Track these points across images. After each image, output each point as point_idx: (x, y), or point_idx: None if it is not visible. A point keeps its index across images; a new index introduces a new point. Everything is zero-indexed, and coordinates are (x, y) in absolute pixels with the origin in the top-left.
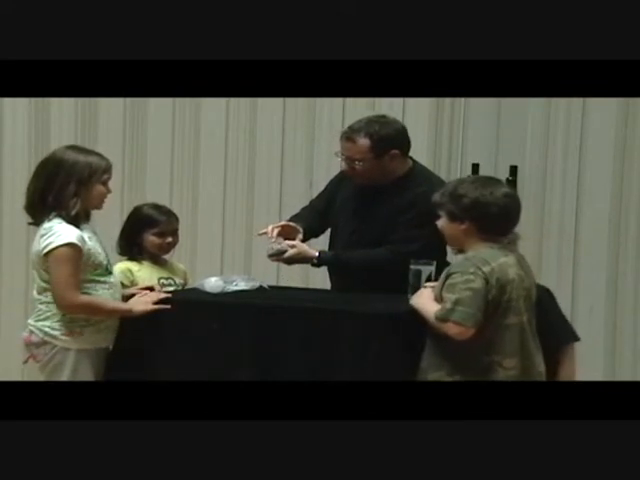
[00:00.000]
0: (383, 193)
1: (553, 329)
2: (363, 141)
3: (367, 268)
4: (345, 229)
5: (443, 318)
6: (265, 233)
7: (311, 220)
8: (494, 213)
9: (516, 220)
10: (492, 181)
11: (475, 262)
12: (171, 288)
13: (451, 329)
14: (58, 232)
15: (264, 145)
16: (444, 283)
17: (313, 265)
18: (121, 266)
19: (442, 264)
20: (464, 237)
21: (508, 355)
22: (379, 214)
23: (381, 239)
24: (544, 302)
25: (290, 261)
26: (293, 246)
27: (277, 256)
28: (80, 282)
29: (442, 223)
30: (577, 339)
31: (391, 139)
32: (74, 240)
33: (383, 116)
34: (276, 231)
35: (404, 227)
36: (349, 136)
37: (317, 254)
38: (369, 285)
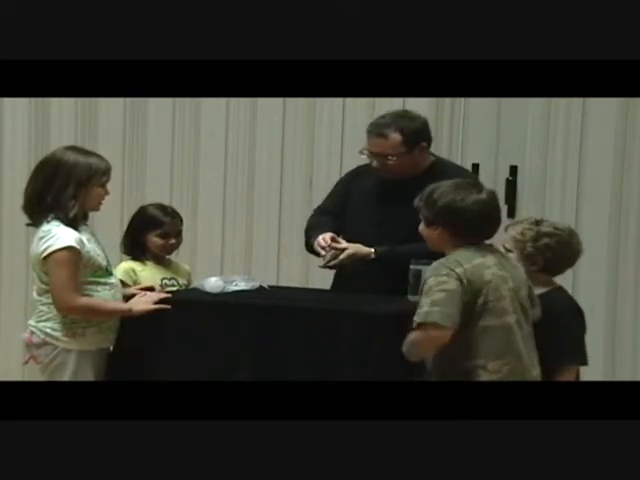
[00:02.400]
0: (409, 186)
1: (563, 346)
2: (395, 136)
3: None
4: (368, 223)
5: (421, 322)
6: (323, 248)
7: (331, 224)
8: (464, 220)
9: (491, 226)
10: (467, 186)
11: (448, 264)
12: (174, 289)
13: (430, 332)
14: (57, 235)
15: (264, 145)
16: (421, 290)
17: (369, 263)
18: (124, 266)
19: None
20: (439, 242)
21: (492, 358)
22: (408, 207)
23: (413, 231)
24: (568, 317)
25: (345, 262)
26: (345, 248)
27: (333, 261)
28: (79, 284)
29: (420, 227)
30: (584, 363)
31: (420, 132)
32: (73, 243)
33: (407, 111)
34: (328, 238)
35: None
36: (380, 132)
37: (373, 250)
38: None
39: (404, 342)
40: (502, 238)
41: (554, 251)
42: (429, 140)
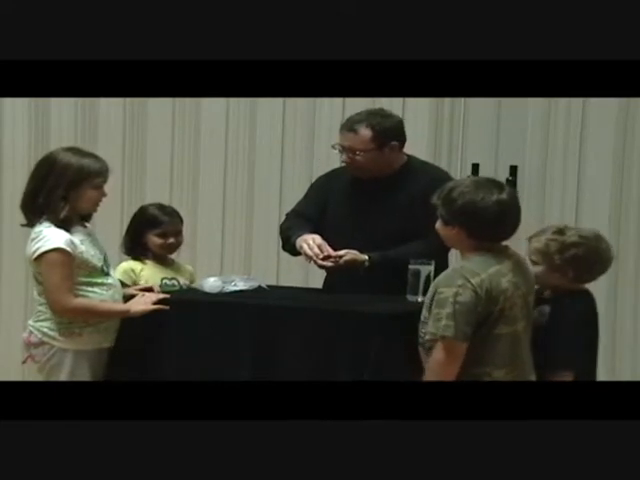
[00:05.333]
0: (384, 186)
1: (559, 351)
2: (365, 132)
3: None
4: (347, 225)
5: (435, 336)
6: (316, 255)
7: (309, 227)
8: (483, 220)
9: (510, 226)
10: (488, 185)
11: (463, 273)
12: (174, 289)
13: (443, 345)
14: (46, 237)
15: (264, 145)
16: (433, 298)
17: (364, 270)
18: (124, 266)
19: (443, 263)
20: (457, 241)
21: (498, 366)
22: (387, 207)
23: (398, 231)
24: (572, 323)
25: (342, 268)
26: (342, 255)
27: (327, 262)
28: (73, 285)
29: (437, 225)
30: (576, 369)
31: (391, 131)
32: (62, 245)
33: (382, 109)
34: (319, 239)
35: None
36: (351, 127)
37: (367, 257)
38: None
39: (427, 365)
40: (527, 250)
41: (583, 260)
42: (402, 140)
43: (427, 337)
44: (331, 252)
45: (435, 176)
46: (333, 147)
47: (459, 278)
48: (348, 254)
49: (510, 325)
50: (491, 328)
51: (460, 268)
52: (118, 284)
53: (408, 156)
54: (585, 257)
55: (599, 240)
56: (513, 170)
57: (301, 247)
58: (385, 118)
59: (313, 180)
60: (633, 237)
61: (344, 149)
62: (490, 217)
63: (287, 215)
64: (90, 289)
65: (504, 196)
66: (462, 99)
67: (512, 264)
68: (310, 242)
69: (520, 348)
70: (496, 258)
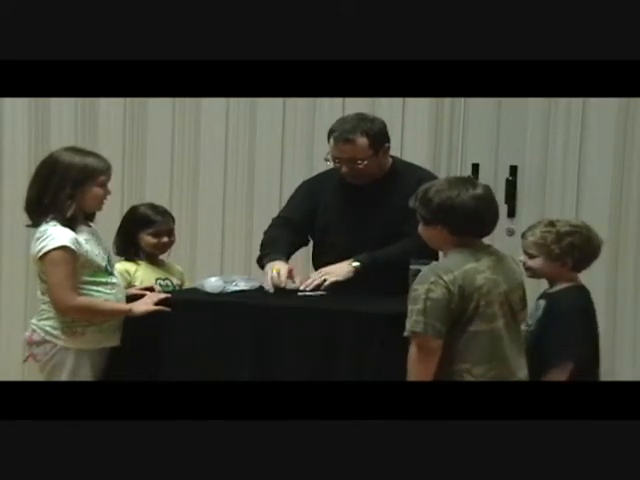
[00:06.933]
0: (377, 188)
1: (556, 343)
2: (362, 140)
3: (404, 262)
4: (341, 228)
5: (408, 332)
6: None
7: (291, 239)
8: (462, 216)
9: (489, 221)
10: (462, 182)
11: (437, 271)
12: (168, 289)
13: (417, 342)
14: (52, 235)
15: (264, 145)
16: (409, 296)
17: (355, 273)
18: (119, 267)
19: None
20: (440, 240)
21: (477, 363)
22: (380, 209)
23: (393, 233)
24: (568, 316)
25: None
26: (324, 281)
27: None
28: (77, 284)
29: (420, 228)
30: (573, 360)
31: (382, 133)
32: (67, 243)
33: (363, 114)
34: (284, 273)
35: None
36: (347, 138)
37: (354, 263)
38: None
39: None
40: (522, 245)
41: (579, 248)
42: (390, 141)
43: (404, 334)
44: (308, 282)
45: (423, 176)
46: (326, 160)
47: (432, 275)
48: (329, 273)
49: (488, 322)
50: (467, 325)
51: (435, 266)
52: (121, 284)
53: (392, 157)
54: (580, 244)
55: (589, 228)
56: (513, 170)
57: (269, 283)
58: (373, 122)
59: None
60: (633, 237)
61: (342, 160)
62: (468, 211)
63: (273, 221)
64: (95, 288)
65: (479, 191)
66: (462, 99)
67: (492, 261)
68: (276, 276)
69: (501, 346)
70: (474, 255)
